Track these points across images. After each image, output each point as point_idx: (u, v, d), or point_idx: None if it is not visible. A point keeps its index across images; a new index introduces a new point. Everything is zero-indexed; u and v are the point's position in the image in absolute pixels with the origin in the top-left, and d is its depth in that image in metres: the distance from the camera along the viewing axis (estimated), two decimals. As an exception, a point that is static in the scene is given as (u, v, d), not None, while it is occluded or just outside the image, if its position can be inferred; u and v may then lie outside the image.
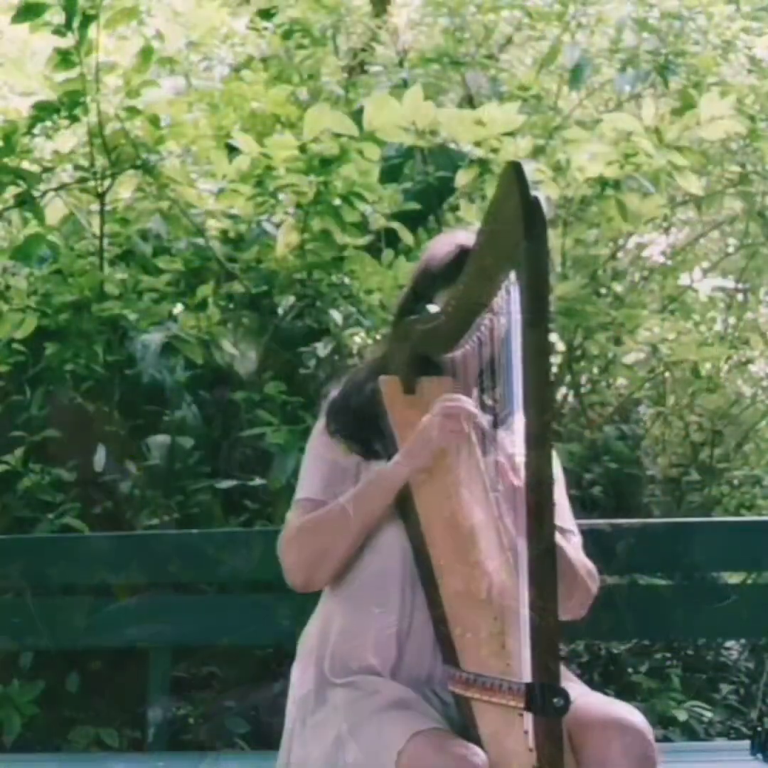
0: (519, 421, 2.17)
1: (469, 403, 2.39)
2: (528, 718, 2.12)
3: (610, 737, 2.23)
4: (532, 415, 2.08)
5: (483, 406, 2.47)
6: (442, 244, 2.59)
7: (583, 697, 2.31)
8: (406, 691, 2.32)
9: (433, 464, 2.41)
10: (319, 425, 2.52)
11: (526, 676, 2.08)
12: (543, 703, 2.05)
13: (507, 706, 2.12)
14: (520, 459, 2.18)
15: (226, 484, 4.10)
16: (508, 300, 2.17)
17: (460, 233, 2.62)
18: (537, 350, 2.09)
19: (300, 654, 2.50)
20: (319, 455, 2.50)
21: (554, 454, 2.35)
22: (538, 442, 2.09)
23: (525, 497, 2.10)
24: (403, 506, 2.42)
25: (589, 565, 2.48)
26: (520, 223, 2.08)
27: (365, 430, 2.48)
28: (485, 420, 2.47)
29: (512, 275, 2.15)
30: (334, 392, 2.55)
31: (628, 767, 2.22)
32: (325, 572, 2.42)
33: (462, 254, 2.50)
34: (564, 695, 2.05)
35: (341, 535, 2.39)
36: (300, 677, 2.46)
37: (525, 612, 2.07)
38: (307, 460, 2.52)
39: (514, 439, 2.34)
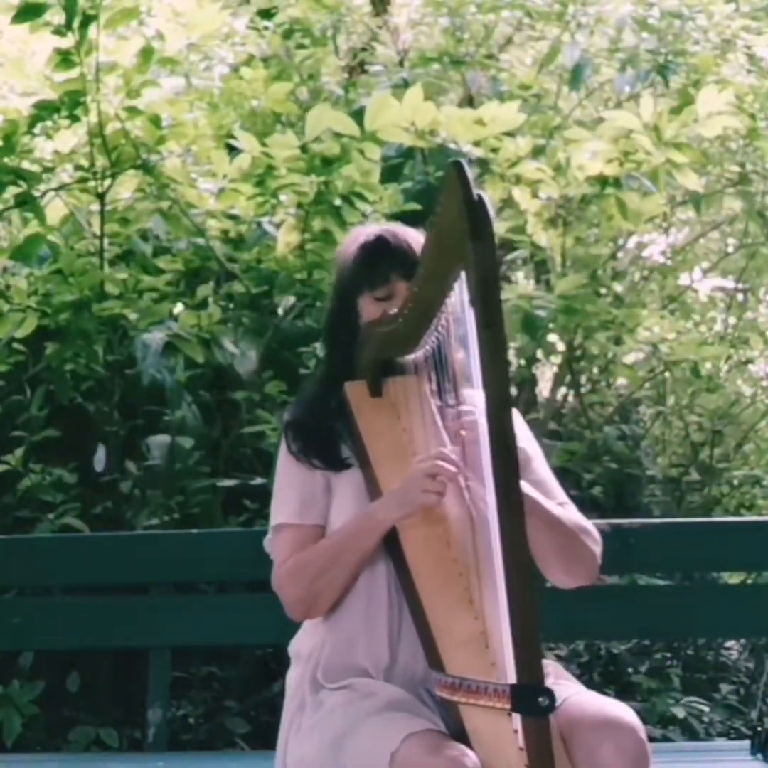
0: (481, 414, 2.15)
1: (452, 459, 2.34)
2: (517, 718, 2.10)
3: (604, 736, 2.21)
4: (493, 414, 2.05)
5: (446, 404, 2.46)
6: (348, 247, 2.56)
7: (576, 695, 2.30)
8: (401, 692, 2.32)
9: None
10: (282, 448, 2.51)
11: (512, 676, 2.06)
12: (528, 704, 2.03)
13: (494, 708, 2.11)
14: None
15: (226, 482, 4.11)
16: (462, 299, 2.14)
17: (364, 230, 2.58)
18: (493, 349, 2.06)
19: (293, 658, 2.50)
20: (288, 478, 2.49)
21: (530, 433, 2.49)
22: (500, 447, 2.04)
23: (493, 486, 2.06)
24: None
25: (588, 525, 2.44)
26: (465, 223, 2.05)
27: (328, 444, 2.48)
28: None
29: (464, 274, 2.12)
30: (288, 415, 2.56)
31: (622, 766, 2.21)
32: (321, 607, 2.42)
33: (366, 254, 2.50)
34: (549, 694, 2.03)
35: (332, 578, 2.38)
36: (295, 681, 2.46)
37: (505, 611, 2.05)
38: (278, 485, 2.51)
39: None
